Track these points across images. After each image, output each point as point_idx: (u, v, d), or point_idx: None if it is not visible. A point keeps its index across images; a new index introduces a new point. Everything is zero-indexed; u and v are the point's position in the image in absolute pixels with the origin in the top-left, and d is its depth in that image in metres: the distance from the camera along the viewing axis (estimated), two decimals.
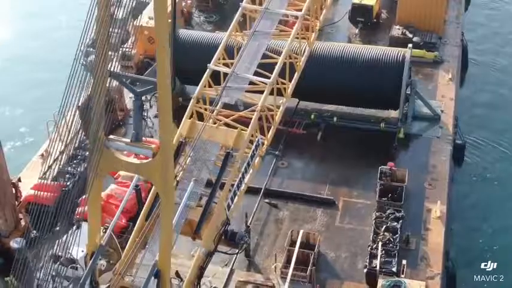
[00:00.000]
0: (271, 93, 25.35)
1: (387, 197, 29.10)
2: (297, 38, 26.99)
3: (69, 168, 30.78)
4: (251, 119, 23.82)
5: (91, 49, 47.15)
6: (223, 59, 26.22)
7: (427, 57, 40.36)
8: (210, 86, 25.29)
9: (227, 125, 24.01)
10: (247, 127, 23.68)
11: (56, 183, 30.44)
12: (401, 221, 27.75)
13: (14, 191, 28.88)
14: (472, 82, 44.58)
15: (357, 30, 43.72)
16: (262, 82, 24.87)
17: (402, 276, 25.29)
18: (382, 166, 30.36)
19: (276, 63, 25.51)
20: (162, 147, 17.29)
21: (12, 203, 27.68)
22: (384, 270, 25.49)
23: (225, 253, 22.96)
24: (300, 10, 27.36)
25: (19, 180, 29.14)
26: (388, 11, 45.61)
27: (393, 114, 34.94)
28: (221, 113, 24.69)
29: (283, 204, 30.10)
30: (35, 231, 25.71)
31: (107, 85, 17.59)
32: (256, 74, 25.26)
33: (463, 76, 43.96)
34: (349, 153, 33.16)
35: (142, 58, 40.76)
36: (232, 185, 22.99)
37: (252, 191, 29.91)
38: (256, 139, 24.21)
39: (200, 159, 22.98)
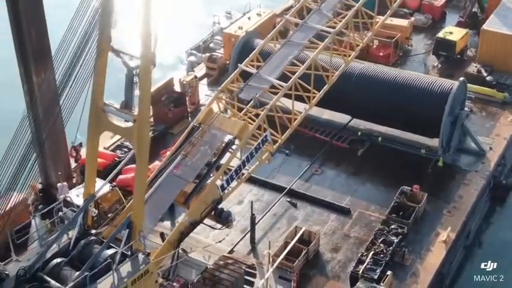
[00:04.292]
0: (291, 98, 28.15)
1: (398, 214, 30.48)
2: (328, 52, 29.47)
3: (127, 143, 35.15)
4: (272, 116, 27.07)
5: (194, 51, 51.60)
6: (258, 61, 29.36)
7: (496, 96, 40.75)
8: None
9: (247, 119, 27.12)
10: (269, 125, 26.85)
11: (113, 153, 35.07)
12: (400, 236, 29.02)
13: (75, 154, 33.74)
14: None
15: (436, 63, 44.78)
16: (280, 86, 27.74)
17: (382, 284, 26.68)
18: (404, 186, 31.74)
19: (304, 72, 28.38)
20: (139, 116, 20.68)
21: (66, 160, 32.27)
22: (365, 275, 27.04)
23: (209, 226, 25.89)
24: (346, 28, 30.07)
25: (80, 145, 33.78)
26: (477, 49, 46.06)
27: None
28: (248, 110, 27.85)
29: (302, 205, 32.36)
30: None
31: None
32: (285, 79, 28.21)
33: None
34: (383, 172, 34.57)
35: (227, 63, 44.41)
36: (230, 169, 26.03)
37: (278, 188, 32.99)
38: (264, 134, 27.06)
39: (207, 143, 26.29)
